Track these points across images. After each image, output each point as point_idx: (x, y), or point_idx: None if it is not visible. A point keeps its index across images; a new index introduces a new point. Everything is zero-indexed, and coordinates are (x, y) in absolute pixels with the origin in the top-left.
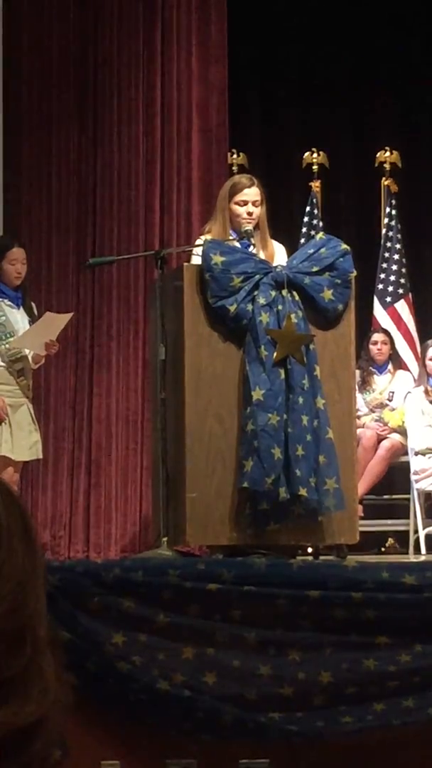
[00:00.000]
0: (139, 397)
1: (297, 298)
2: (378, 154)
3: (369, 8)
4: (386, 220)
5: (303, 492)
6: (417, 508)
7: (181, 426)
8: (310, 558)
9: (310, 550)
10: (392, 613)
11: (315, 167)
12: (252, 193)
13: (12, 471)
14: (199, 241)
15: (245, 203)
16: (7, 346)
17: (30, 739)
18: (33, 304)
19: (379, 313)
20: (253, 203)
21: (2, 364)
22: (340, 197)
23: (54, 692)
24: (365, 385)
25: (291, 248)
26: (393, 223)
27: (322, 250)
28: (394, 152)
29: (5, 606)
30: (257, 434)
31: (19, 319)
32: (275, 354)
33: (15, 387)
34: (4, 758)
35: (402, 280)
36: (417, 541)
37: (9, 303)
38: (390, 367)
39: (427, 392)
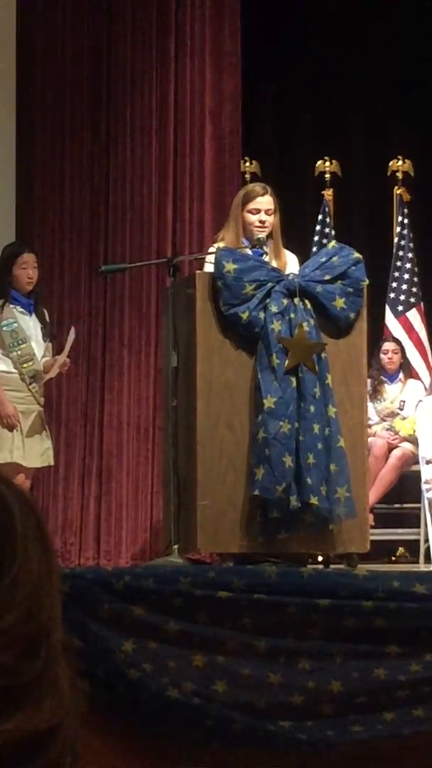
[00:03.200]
0: (150, 404)
1: (309, 306)
2: (391, 163)
3: (383, 17)
4: (398, 229)
5: (314, 500)
6: (428, 517)
7: (192, 433)
8: (320, 566)
9: (320, 558)
10: (403, 622)
11: (327, 176)
12: (265, 201)
13: (23, 478)
14: (211, 249)
15: (258, 211)
16: (19, 352)
17: (43, 747)
18: (45, 311)
19: (391, 321)
20: (266, 211)
21: (14, 370)
22: (353, 206)
23: (67, 699)
24: (376, 394)
25: (303, 256)
26: (405, 231)
27: (335, 258)
28: (407, 161)
29: (20, 612)
30: (268, 442)
31: (31, 325)
32: (287, 362)
33: (27, 393)
34: (17, 765)
35: (414, 289)
36: (427, 550)
37: (21, 310)
38: (401, 376)
39: None
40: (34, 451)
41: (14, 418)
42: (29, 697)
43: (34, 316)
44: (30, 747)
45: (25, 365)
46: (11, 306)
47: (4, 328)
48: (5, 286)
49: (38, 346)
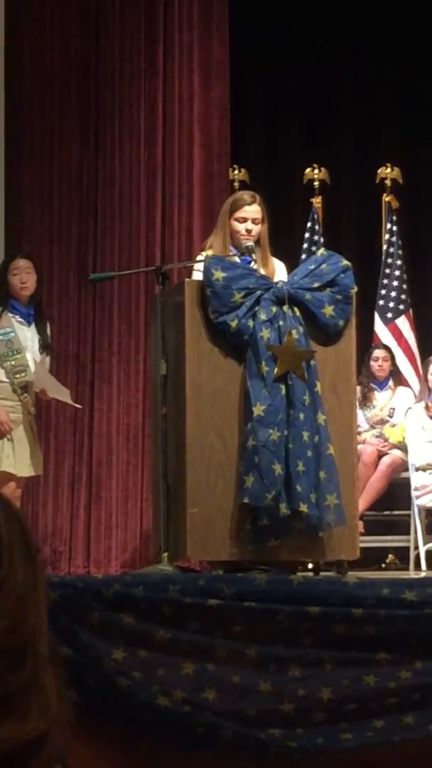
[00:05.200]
0: (139, 412)
1: (298, 313)
2: (379, 171)
3: (371, 25)
4: (387, 236)
5: (303, 508)
6: (417, 524)
7: (181, 441)
8: (310, 574)
9: (310, 566)
10: (392, 629)
11: (316, 183)
12: (252, 210)
13: (14, 486)
14: (200, 257)
15: (245, 220)
16: (13, 362)
17: (31, 756)
18: (48, 324)
19: (380, 329)
20: (253, 221)
21: (6, 380)
22: (341, 213)
23: (55, 708)
24: (366, 401)
25: (292, 264)
26: (394, 239)
27: (323, 266)
28: (395, 168)
29: (6, 622)
30: (258, 450)
31: (29, 336)
32: (276, 370)
33: (17, 403)
34: None
35: (403, 296)
36: (417, 557)
37: (20, 320)
38: (391, 383)
39: (427, 408)
40: (24, 460)
41: (6, 424)
42: (16, 707)
43: (33, 326)
44: (17, 756)
45: (17, 376)
46: (10, 315)
47: (0, 337)
48: (2, 294)
49: (33, 357)
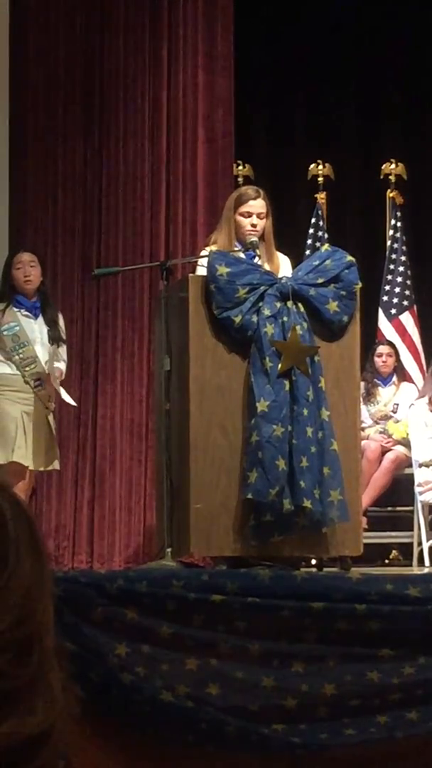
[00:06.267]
0: (143, 407)
1: (302, 309)
2: (383, 166)
3: (376, 20)
4: (391, 232)
5: (307, 504)
6: (421, 520)
7: (185, 437)
8: (314, 570)
9: (314, 561)
10: (396, 625)
11: (320, 179)
12: (257, 205)
13: (23, 479)
14: (204, 252)
15: (249, 215)
16: (21, 356)
17: (36, 750)
18: (60, 315)
19: (384, 325)
20: (258, 215)
21: (17, 372)
22: (346, 209)
23: (60, 703)
24: (370, 397)
25: (296, 260)
26: (398, 235)
27: (328, 261)
28: (400, 164)
29: (13, 616)
30: (261, 445)
31: (36, 329)
32: (280, 365)
33: (32, 395)
34: None
35: (407, 292)
36: (421, 553)
37: (26, 313)
38: (395, 379)
39: (431, 404)
40: (37, 453)
41: None
42: (22, 701)
43: (40, 319)
44: (23, 751)
45: (27, 368)
46: (14, 309)
47: (5, 333)
48: (7, 289)
49: (43, 348)
